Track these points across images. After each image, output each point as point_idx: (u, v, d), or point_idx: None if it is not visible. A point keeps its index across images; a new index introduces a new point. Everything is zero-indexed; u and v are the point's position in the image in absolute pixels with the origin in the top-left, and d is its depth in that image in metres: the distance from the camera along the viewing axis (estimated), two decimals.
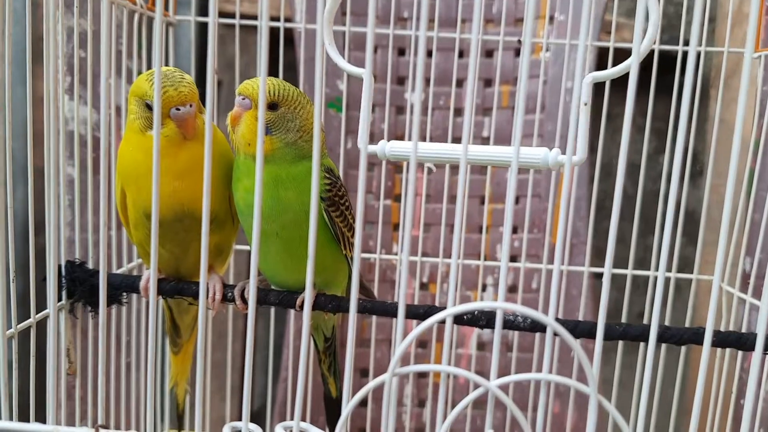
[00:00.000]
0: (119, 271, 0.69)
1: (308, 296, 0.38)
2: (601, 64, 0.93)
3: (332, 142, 1.03)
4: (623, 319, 0.86)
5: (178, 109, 0.51)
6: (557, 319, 0.50)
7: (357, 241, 0.37)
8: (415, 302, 0.91)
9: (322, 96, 0.35)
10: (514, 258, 1.05)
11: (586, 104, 0.38)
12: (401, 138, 1.09)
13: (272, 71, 0.89)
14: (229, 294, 0.56)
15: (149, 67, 0.75)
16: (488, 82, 1.06)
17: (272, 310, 0.89)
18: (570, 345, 0.33)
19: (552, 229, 1.02)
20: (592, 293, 0.96)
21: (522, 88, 0.36)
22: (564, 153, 0.41)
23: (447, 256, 1.01)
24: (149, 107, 0.51)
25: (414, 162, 0.37)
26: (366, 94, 0.41)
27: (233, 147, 0.53)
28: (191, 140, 0.51)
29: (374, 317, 1.01)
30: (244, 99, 0.51)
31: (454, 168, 0.97)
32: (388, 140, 0.43)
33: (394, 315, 0.55)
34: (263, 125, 0.37)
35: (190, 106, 0.51)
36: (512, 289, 1.05)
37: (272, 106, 0.51)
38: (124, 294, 0.58)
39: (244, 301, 0.55)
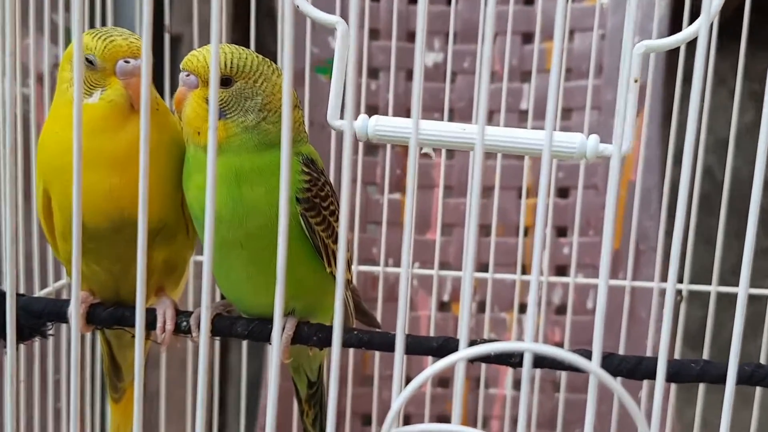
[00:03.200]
0: (43, 294, 0.70)
1: (276, 328, 0.38)
2: (678, 13, 0.92)
3: (321, 118, 1.03)
4: (707, 349, 0.86)
5: (127, 62, 0.51)
6: (609, 356, 0.50)
7: (341, 248, 0.37)
8: (431, 328, 0.92)
9: (292, 58, 0.35)
10: (562, 269, 1.05)
11: (636, 81, 0.38)
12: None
13: (243, 28, 0.90)
14: (184, 323, 0.56)
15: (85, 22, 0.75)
16: (527, 37, 1.06)
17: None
18: (622, 401, 0.33)
19: (615, 231, 1.02)
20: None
21: (558, 42, 0.36)
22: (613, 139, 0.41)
23: (477, 266, 1.01)
24: (91, 63, 0.51)
25: (415, 147, 0.37)
26: (340, 51, 0.41)
27: None
28: (137, 113, 0.52)
29: None
30: (188, 75, 0.52)
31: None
32: (395, 113, 0.43)
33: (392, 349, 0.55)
34: (216, 100, 0.37)
35: None
36: (560, 310, 1.05)
37: (225, 82, 0.52)
38: (49, 324, 0.58)
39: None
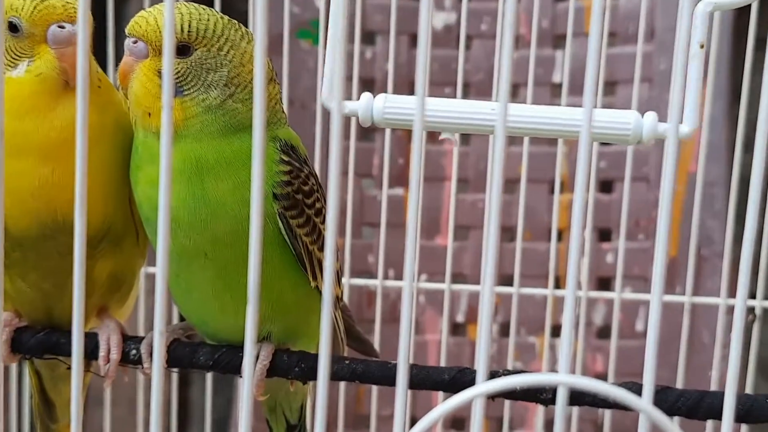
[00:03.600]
0: None
1: (248, 358, 0.38)
2: None
3: (303, 94, 1.04)
4: None
5: (61, 27, 0.51)
6: (663, 390, 0.50)
7: (329, 256, 0.37)
8: (442, 356, 0.92)
9: (266, 18, 0.35)
10: (605, 282, 1.06)
11: (702, 47, 0.38)
12: None
13: None
14: (133, 351, 0.56)
15: None
16: None
17: None
18: None
19: (671, 234, 1.02)
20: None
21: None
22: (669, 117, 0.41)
23: (499, 279, 1.01)
24: (16, 28, 0.51)
25: (420, 131, 0.37)
26: (336, 12, 0.41)
27: None
28: (73, 90, 0.52)
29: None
30: (135, 43, 0.52)
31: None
32: (398, 91, 0.43)
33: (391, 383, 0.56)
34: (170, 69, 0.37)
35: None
36: (603, 333, 1.06)
37: (182, 50, 0.52)
38: None
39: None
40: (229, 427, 1.08)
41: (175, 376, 0.96)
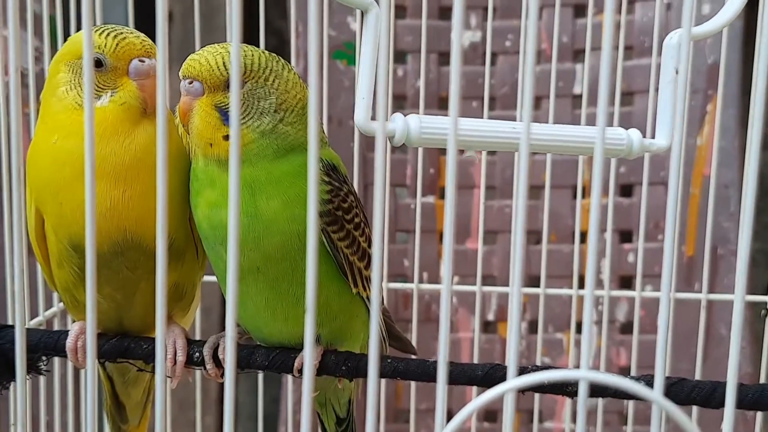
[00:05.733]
0: (33, 324, 0.74)
1: (309, 353, 0.41)
2: None
3: (340, 113, 1.07)
4: None
5: (142, 61, 0.55)
6: (679, 382, 0.53)
7: (376, 262, 0.40)
8: (475, 353, 0.94)
9: (319, 44, 0.38)
10: (627, 281, 1.08)
11: (677, 72, 0.41)
12: (446, 100, 1.13)
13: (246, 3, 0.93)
14: (196, 354, 0.59)
15: (67, 13, 0.79)
16: (579, 10, 1.09)
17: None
18: (685, 428, 0.36)
19: (686, 235, 1.04)
20: (751, 333, 0.98)
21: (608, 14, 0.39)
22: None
23: (526, 280, 1.03)
24: (100, 63, 0.55)
25: (453, 150, 0.39)
26: (371, 38, 0.43)
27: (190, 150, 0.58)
28: (150, 116, 0.56)
29: None
30: (191, 83, 0.55)
31: None
32: (427, 106, 0.45)
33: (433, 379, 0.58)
34: (237, 96, 0.39)
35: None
36: (626, 329, 1.08)
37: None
38: (44, 358, 0.62)
39: (218, 363, 0.59)
40: (277, 423, 1.11)
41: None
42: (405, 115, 0.44)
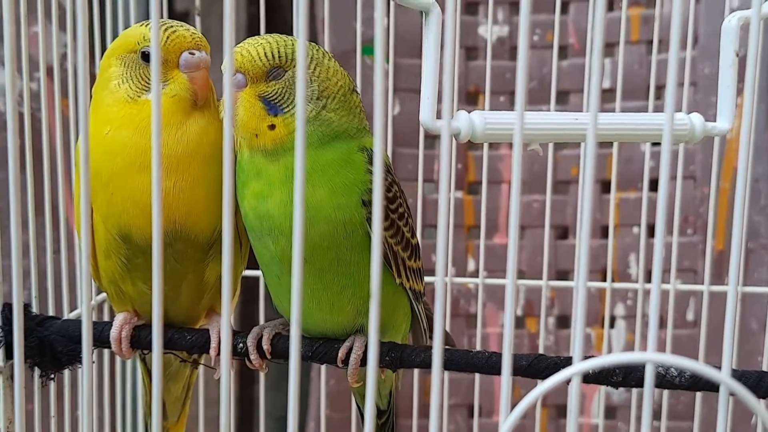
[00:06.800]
0: (73, 316, 0.74)
1: (373, 342, 0.41)
2: None
3: (369, 108, 1.05)
4: None
5: (192, 54, 0.55)
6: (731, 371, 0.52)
7: (440, 247, 0.39)
8: (505, 348, 0.93)
9: (383, 34, 0.38)
10: None
11: (738, 55, 0.40)
12: (474, 95, 1.12)
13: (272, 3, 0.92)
14: (240, 345, 0.59)
15: (100, 8, 0.78)
16: (609, 3, 1.08)
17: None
18: (754, 410, 0.35)
19: (716, 229, 1.03)
20: None
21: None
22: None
23: (554, 275, 1.02)
24: (147, 57, 0.55)
25: (519, 144, 0.39)
26: (433, 39, 0.43)
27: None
28: (200, 108, 0.56)
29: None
30: (234, 75, 0.55)
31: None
32: (457, 101, 0.45)
33: (484, 370, 0.58)
34: (303, 80, 0.38)
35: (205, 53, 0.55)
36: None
37: (276, 74, 0.55)
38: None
39: (262, 354, 0.59)
40: (306, 419, 1.10)
41: (232, 374, 0.97)
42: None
